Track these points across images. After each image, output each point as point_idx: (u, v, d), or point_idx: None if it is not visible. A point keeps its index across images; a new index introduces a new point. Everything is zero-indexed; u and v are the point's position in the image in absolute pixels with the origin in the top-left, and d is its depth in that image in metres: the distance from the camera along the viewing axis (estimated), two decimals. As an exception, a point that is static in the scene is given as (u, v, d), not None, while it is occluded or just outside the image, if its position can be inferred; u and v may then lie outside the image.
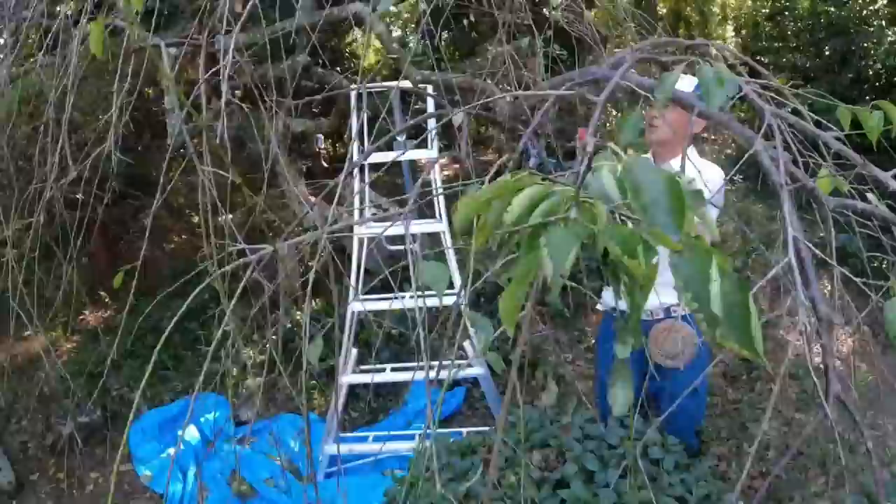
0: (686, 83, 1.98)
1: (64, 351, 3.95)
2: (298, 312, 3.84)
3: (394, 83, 2.95)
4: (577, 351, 3.88)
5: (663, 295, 2.19)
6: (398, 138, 3.21)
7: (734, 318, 0.71)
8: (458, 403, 3.52)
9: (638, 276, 0.76)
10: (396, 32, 7.74)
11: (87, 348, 3.71)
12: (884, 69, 4.48)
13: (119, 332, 2.12)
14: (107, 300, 4.09)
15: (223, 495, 3.01)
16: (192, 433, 3.31)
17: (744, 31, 5.17)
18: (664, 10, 5.37)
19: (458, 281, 2.99)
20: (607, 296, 2.40)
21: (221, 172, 1.66)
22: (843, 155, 1.11)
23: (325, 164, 4.19)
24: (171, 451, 3.21)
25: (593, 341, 3.96)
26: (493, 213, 0.85)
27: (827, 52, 4.72)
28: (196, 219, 4.65)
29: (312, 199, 3.74)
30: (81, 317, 4.02)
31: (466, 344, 3.15)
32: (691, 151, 2.14)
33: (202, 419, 3.37)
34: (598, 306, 2.52)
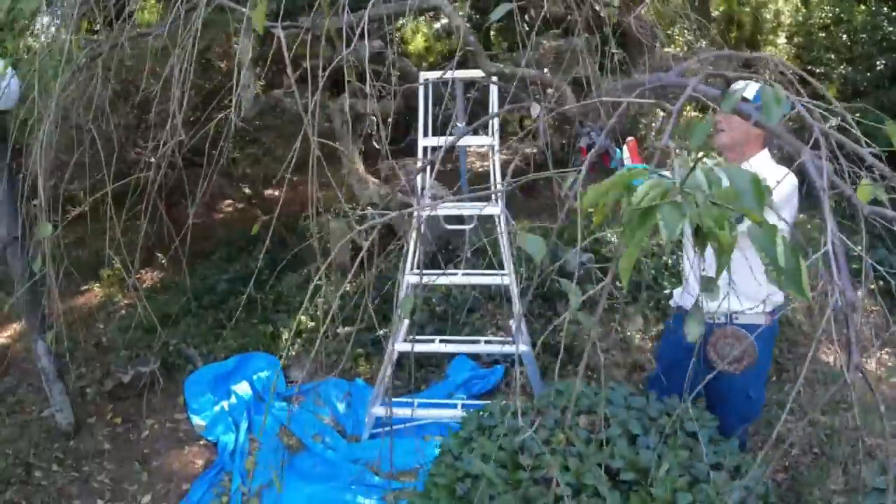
0: (750, 90, 2.17)
1: (122, 306, 4.24)
2: (347, 284, 4.09)
3: (468, 73, 3.18)
4: (610, 341, 4.09)
5: (726, 299, 2.40)
6: (459, 124, 3.43)
7: (791, 271, 0.95)
8: (497, 380, 3.75)
9: (724, 243, 0.99)
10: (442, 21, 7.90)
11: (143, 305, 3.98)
12: None
13: (183, 289, 2.28)
14: (162, 262, 4.37)
15: (272, 447, 3.27)
16: (244, 389, 3.59)
17: (796, 39, 5.31)
18: (717, 13, 5.52)
19: (508, 264, 3.20)
20: (677, 294, 2.61)
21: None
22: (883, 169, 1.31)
23: (377, 146, 4.41)
24: (225, 403, 3.47)
25: (628, 333, 4.18)
26: (611, 198, 1.08)
27: (879, 67, 4.84)
28: (248, 190, 4.94)
29: (371, 177, 3.97)
30: (138, 275, 4.31)
31: (511, 322, 3.38)
32: (765, 154, 2.31)
33: (255, 377, 3.64)
34: (671, 303, 2.74)
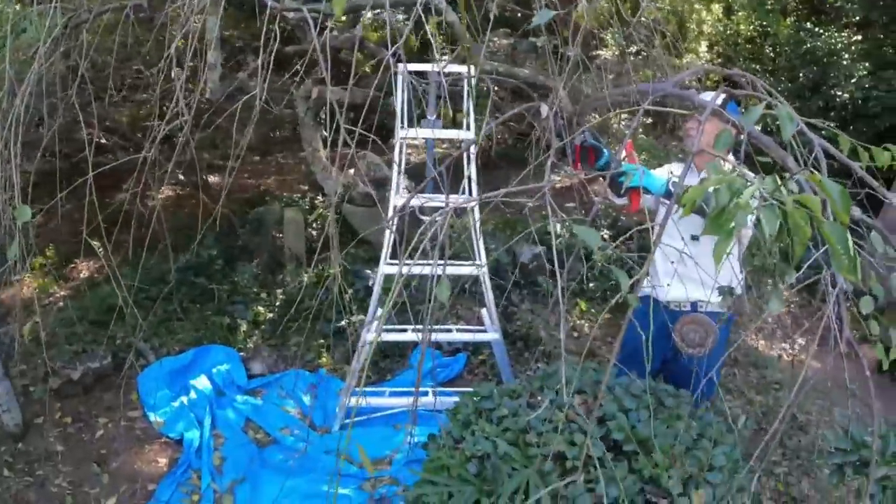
0: (719, 99, 2.44)
1: (58, 297, 3.98)
2: (306, 273, 4.05)
3: (452, 66, 3.25)
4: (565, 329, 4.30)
5: (691, 290, 2.65)
6: (429, 117, 3.50)
7: (851, 259, 1.11)
8: (460, 368, 3.86)
9: (804, 236, 1.14)
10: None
11: (83, 297, 3.76)
12: (850, 100, 5.17)
13: (130, 280, 2.18)
14: (100, 250, 4.12)
15: (239, 442, 3.21)
16: (204, 383, 3.49)
17: (716, 49, 5.78)
18: (645, 19, 5.88)
19: (482, 253, 3.31)
20: (645, 281, 2.82)
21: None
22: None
23: (344, 136, 4.36)
24: (184, 398, 3.37)
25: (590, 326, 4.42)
26: (705, 195, 1.21)
27: (800, 79, 5.37)
28: (194, 177, 4.73)
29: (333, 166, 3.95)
30: (73, 265, 4.05)
31: (483, 311, 3.49)
32: (731, 159, 2.57)
33: (214, 370, 3.55)
34: (638, 292, 2.92)
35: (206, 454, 3.08)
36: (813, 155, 1.52)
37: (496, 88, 3.34)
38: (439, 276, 1.65)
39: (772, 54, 5.65)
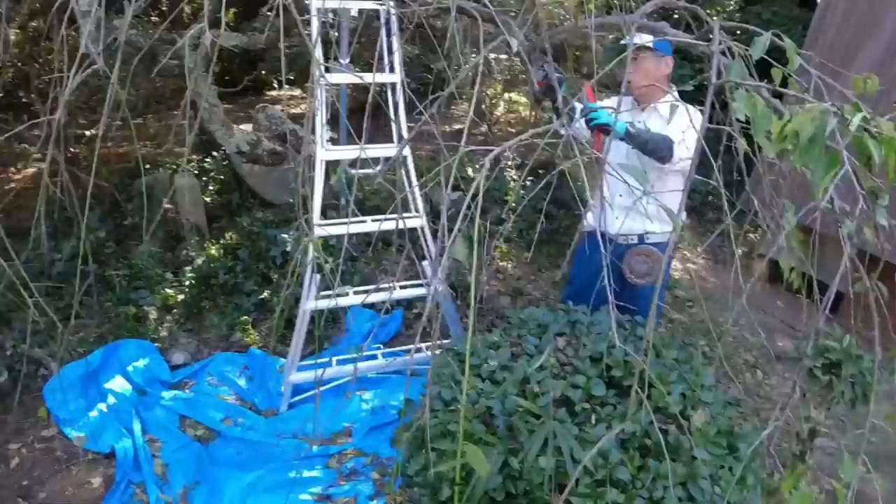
0: (646, 39, 2.52)
1: None
2: (212, 246, 3.69)
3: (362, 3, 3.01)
4: (488, 273, 4.33)
5: (641, 222, 2.75)
6: (342, 60, 3.25)
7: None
8: (398, 326, 3.77)
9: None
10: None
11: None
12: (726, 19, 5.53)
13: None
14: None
15: (179, 443, 2.94)
16: (121, 384, 3.12)
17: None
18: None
19: (420, 204, 3.19)
20: (590, 217, 2.86)
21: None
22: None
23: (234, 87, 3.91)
24: (102, 406, 2.99)
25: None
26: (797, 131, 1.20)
27: (675, 12, 5.62)
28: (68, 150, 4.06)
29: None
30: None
31: (425, 264, 3.39)
32: (675, 94, 2.67)
33: (129, 368, 3.17)
34: (582, 227, 2.98)
35: (144, 464, 2.78)
36: (812, 85, 1.56)
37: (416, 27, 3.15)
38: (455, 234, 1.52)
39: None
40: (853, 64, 3.97)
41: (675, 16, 4.79)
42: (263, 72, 6.19)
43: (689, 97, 2.94)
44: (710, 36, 1.52)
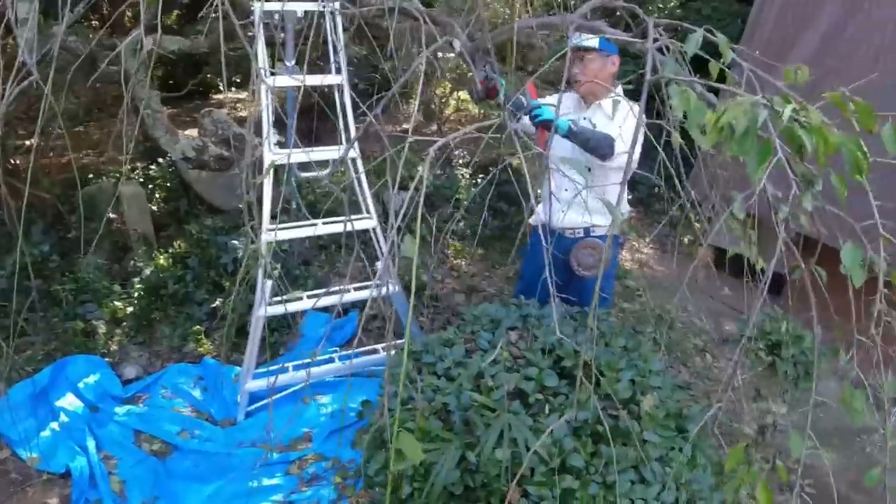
0: (593, 39, 2.61)
1: None
2: (161, 255, 3.65)
3: (305, 4, 3.02)
4: (442, 271, 4.39)
5: (586, 216, 2.83)
6: (287, 63, 3.25)
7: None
8: (353, 328, 3.78)
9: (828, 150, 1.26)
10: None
11: None
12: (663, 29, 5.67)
13: None
14: None
15: (135, 459, 2.90)
16: (72, 402, 3.06)
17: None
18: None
19: (371, 205, 3.22)
20: (540, 210, 2.93)
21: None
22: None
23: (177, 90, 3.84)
24: (54, 424, 2.94)
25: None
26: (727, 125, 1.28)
27: (616, 12, 5.77)
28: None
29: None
30: None
31: (379, 265, 3.42)
32: (619, 90, 2.76)
33: (80, 384, 3.11)
34: (531, 220, 3.05)
35: (101, 482, 2.74)
36: (744, 78, 1.65)
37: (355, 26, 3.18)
38: (405, 233, 1.55)
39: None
40: (790, 56, 4.11)
41: (617, 13, 4.92)
42: (209, 75, 6.11)
43: (631, 94, 3.04)
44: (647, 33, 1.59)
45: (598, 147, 2.60)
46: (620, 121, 2.61)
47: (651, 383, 2.40)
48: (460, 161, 4.97)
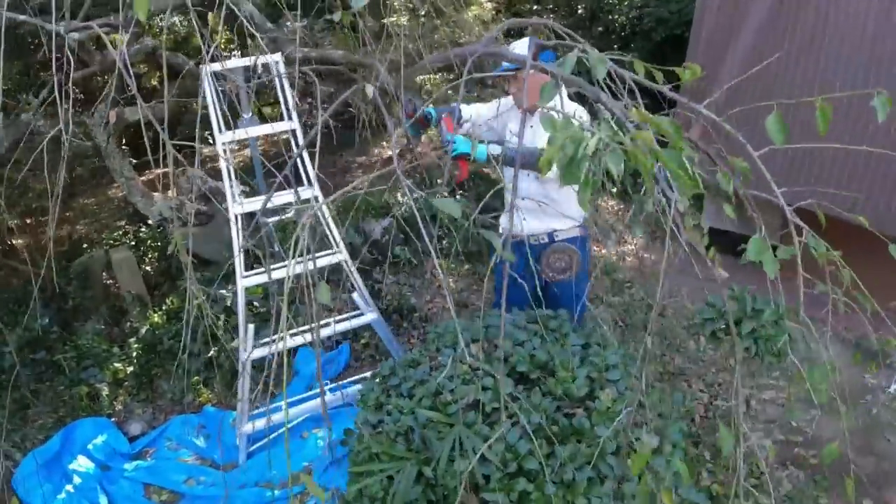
0: (521, 45, 2.72)
1: None
2: (155, 314, 3.88)
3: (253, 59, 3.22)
4: (431, 291, 4.53)
5: (547, 222, 2.93)
6: (244, 115, 3.46)
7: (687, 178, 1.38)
8: (346, 359, 3.95)
9: (647, 168, 1.36)
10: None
11: None
12: (627, 22, 5.80)
13: None
14: None
15: (147, 510, 3.10)
16: (84, 463, 3.28)
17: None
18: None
19: (339, 240, 3.38)
20: (504, 220, 3.06)
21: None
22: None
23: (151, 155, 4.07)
24: (69, 487, 3.15)
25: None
26: (560, 151, 1.39)
27: (579, 10, 5.91)
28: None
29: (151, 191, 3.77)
30: None
31: (355, 296, 3.58)
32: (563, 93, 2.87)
33: (90, 446, 3.34)
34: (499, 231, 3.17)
35: (114, 535, 2.94)
36: (627, 87, 1.76)
37: (300, 74, 3.36)
38: (316, 281, 1.68)
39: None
40: (727, 54, 4.13)
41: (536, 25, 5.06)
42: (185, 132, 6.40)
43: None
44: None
45: (530, 164, 2.68)
46: None
47: (609, 377, 2.49)
48: (438, 181, 5.12)
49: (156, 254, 4.25)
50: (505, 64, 2.82)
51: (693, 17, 4.51)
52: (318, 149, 2.07)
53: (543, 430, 2.29)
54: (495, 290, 3.55)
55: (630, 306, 4.26)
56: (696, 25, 4.43)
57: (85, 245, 4.21)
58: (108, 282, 3.97)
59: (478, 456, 1.99)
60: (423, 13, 5.16)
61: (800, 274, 1.40)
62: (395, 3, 5.82)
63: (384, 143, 5.89)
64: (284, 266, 3.38)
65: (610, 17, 5.90)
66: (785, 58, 3.77)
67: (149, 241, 4.27)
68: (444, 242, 4.69)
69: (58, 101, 1.96)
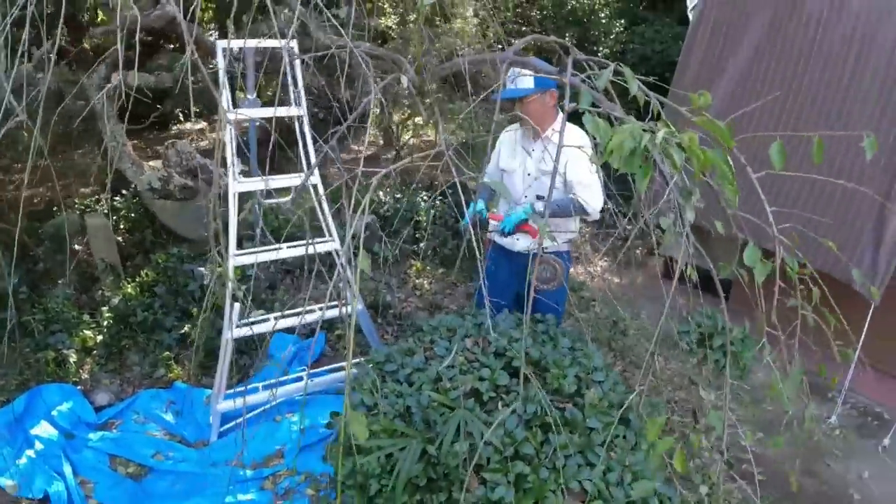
0: (528, 81, 2.95)
1: None
2: (129, 285, 3.86)
3: (267, 42, 3.31)
4: (405, 291, 4.66)
5: (534, 241, 3.13)
6: (248, 97, 3.54)
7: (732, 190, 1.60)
8: (322, 347, 4.03)
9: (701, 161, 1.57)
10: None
11: None
12: (611, 53, 6.13)
13: None
14: None
15: (112, 482, 3.09)
16: (47, 429, 3.24)
17: (481, 13, 6.39)
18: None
19: (333, 228, 3.49)
20: (493, 231, 3.25)
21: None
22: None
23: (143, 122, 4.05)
24: (30, 451, 3.12)
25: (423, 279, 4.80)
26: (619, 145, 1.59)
27: (566, 37, 6.21)
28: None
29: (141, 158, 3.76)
30: None
31: (342, 284, 3.68)
32: (560, 118, 3.09)
33: (54, 412, 3.30)
34: (489, 235, 3.36)
35: (79, 504, 2.93)
36: (651, 104, 1.98)
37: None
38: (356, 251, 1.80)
39: (538, 16, 6.47)
40: (724, 74, 4.48)
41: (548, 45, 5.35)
42: (169, 107, 6.35)
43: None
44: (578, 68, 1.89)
45: (570, 213, 2.96)
46: (578, 168, 2.96)
47: (595, 378, 2.71)
48: (419, 184, 5.28)
49: (129, 224, 4.22)
50: (510, 88, 3.03)
51: (676, 59, 4.86)
52: (320, 138, 2.20)
53: (538, 419, 2.48)
54: (478, 291, 3.73)
55: (595, 323, 4.51)
56: (680, 70, 4.78)
57: (55, 208, 4.14)
58: (77, 247, 3.92)
59: (483, 439, 2.14)
60: (412, 20, 5.35)
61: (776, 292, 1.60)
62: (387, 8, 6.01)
63: (363, 139, 6.01)
64: (277, 248, 3.46)
65: (595, 47, 6.23)
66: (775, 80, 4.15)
67: (123, 211, 4.23)
68: (422, 245, 4.85)
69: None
